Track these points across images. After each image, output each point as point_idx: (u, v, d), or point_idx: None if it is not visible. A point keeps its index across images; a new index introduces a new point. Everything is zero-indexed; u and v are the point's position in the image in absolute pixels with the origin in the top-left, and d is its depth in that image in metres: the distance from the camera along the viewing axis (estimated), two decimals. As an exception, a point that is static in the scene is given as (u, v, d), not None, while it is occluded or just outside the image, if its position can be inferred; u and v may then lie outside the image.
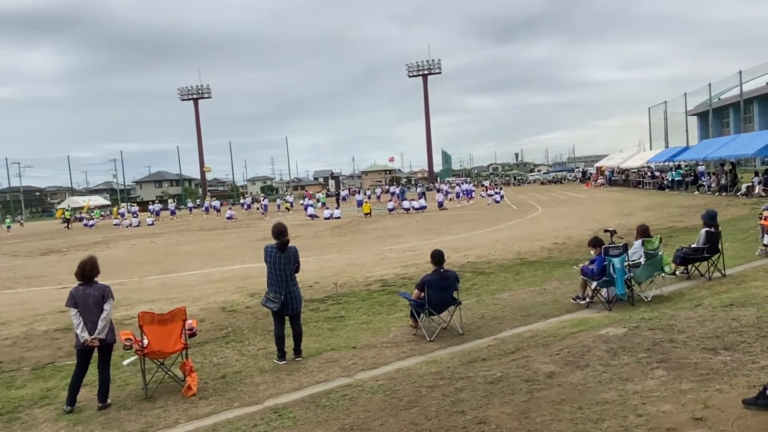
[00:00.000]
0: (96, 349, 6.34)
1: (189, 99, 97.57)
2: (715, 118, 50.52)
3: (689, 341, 6.45)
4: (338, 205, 45.69)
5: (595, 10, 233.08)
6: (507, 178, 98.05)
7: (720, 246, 10.29)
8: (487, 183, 76.58)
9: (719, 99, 48.55)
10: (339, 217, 36.11)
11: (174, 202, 63.43)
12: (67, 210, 57.87)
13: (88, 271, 6.35)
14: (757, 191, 26.54)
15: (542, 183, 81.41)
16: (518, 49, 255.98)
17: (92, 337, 6.22)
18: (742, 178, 31.89)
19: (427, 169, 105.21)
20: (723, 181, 31.63)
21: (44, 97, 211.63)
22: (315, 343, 8.12)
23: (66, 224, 51.82)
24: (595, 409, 4.89)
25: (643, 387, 5.28)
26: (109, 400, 6.39)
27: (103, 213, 68.04)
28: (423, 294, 7.91)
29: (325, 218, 36.08)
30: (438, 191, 51.00)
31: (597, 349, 6.53)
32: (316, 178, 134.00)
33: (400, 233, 24.16)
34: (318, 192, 69.69)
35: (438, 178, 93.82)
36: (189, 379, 6.56)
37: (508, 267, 13.39)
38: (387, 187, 70.97)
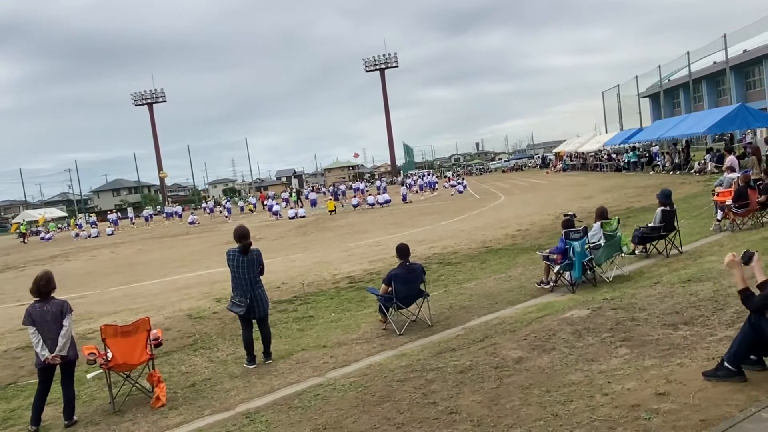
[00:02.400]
0: (58, 366, 6.18)
1: (143, 104, 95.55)
2: (666, 99, 51.80)
3: (650, 318, 6.63)
4: (302, 204, 45.49)
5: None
6: (469, 168, 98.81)
7: (676, 223, 10.58)
8: (449, 174, 77.14)
9: (669, 80, 49.77)
10: (304, 216, 35.90)
11: (149, 209, 61.90)
12: (22, 224, 56.10)
13: (43, 287, 6.18)
14: (709, 168, 27.33)
15: (504, 171, 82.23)
16: (472, 39, 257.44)
17: (53, 354, 6.06)
18: (694, 156, 32.80)
19: (389, 163, 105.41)
20: (677, 160, 32.48)
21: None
22: (285, 345, 8.08)
23: (22, 239, 50.29)
24: (562, 391, 4.98)
25: (607, 366, 5.41)
26: (75, 417, 6.25)
27: (59, 225, 66.18)
28: (390, 288, 7.94)
29: (290, 218, 35.83)
30: (401, 184, 51.20)
31: (562, 332, 6.65)
32: (278, 178, 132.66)
33: (366, 229, 24.17)
34: (283, 191, 69.04)
35: (401, 172, 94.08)
36: (157, 389, 6.46)
37: (473, 256, 13.53)
38: (350, 183, 70.81)
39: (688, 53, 40.61)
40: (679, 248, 10.51)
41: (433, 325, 8.07)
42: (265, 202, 49.40)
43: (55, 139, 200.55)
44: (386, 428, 4.87)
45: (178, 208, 58.19)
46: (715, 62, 43.93)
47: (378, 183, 59.39)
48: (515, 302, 8.73)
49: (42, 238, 49.52)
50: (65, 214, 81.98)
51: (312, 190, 61.73)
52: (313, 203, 43.85)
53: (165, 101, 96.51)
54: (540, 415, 4.61)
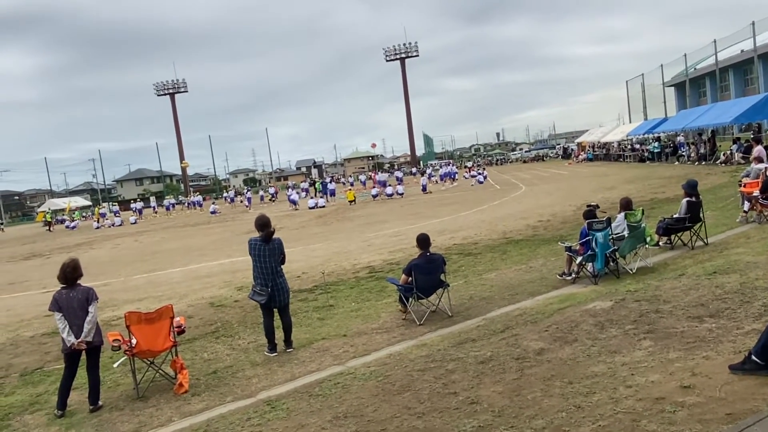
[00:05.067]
0: (84, 351, 6.28)
1: (165, 94, 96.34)
2: (692, 88, 50.84)
3: (675, 311, 6.53)
4: (316, 194, 45.58)
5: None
6: (489, 158, 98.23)
7: (701, 215, 10.39)
8: (469, 164, 76.74)
9: (695, 69, 48.83)
10: (324, 206, 36.05)
11: (170, 199, 62.41)
12: (47, 213, 57.10)
13: (69, 273, 6.27)
14: (736, 159, 26.80)
15: (524, 161, 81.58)
16: (493, 28, 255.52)
17: (79, 340, 6.16)
18: (720, 146, 32.19)
19: (409, 153, 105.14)
20: (702, 151, 31.91)
21: (17, 100, 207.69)
22: (305, 333, 8.12)
23: (47, 227, 51.19)
24: (585, 383, 4.94)
25: (631, 358, 5.35)
26: (100, 402, 6.35)
27: (84, 214, 67.23)
28: (411, 278, 7.92)
29: (310, 207, 35.98)
30: (421, 174, 51.06)
31: (585, 324, 6.59)
32: (298, 168, 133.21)
33: (386, 219, 24.16)
34: (302, 181, 69.53)
35: (420, 162, 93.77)
36: (180, 376, 6.54)
37: (494, 247, 13.45)
38: (370, 173, 70.81)
39: (714, 41, 39.80)
40: (705, 240, 10.33)
41: (453, 315, 8.04)
42: (288, 192, 49.63)
43: (79, 128, 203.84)
44: (406, 417, 4.87)
45: (199, 198, 58.77)
46: (742, 50, 42.95)
47: (397, 173, 59.29)
48: (536, 293, 8.66)
49: (67, 227, 50.36)
50: (89, 203, 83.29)
51: (331, 180, 61.89)
52: (332, 193, 43.94)
53: (186, 91, 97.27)
54: (562, 406, 4.57)
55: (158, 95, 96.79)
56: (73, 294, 6.26)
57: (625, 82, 58.75)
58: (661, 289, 7.54)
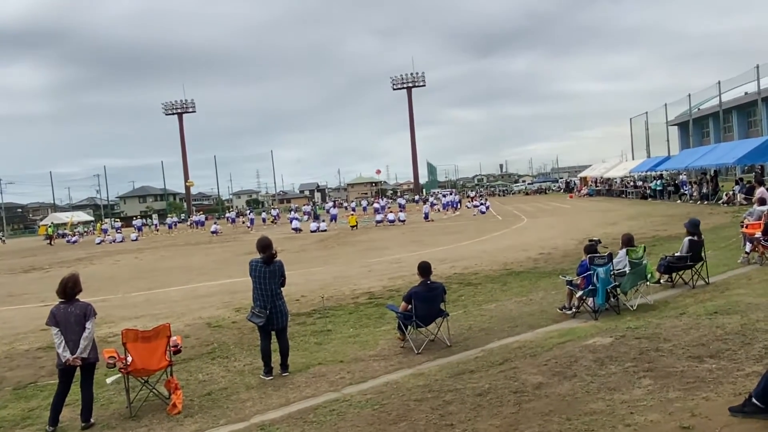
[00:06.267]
0: (78, 368, 6.23)
1: (173, 113, 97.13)
2: (696, 127, 51.21)
3: (675, 349, 6.48)
4: (314, 218, 45.65)
5: (574, 23, 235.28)
6: (492, 189, 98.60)
7: (703, 254, 10.38)
8: (472, 194, 76.96)
9: (699, 109, 49.25)
10: (325, 230, 36.09)
11: (172, 217, 62.49)
12: (49, 226, 57.19)
13: (69, 288, 6.26)
14: (738, 199, 26.87)
15: (527, 193, 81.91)
16: (500, 61, 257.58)
17: (74, 356, 6.12)
18: (723, 186, 32.31)
19: (412, 180, 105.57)
20: (704, 190, 32.02)
21: (25, 113, 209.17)
22: (302, 358, 8.06)
23: (48, 241, 51.20)
24: (583, 420, 4.88)
25: (630, 396, 5.29)
26: (92, 420, 6.28)
27: (86, 229, 67.31)
28: (410, 306, 7.89)
29: (312, 231, 36.01)
30: (424, 202, 51.21)
31: (584, 359, 6.53)
32: (302, 191, 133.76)
33: (387, 245, 24.15)
34: (305, 204, 69.80)
35: (423, 190, 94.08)
36: (174, 396, 6.48)
37: (494, 278, 13.41)
38: (373, 199, 71.00)
39: (719, 83, 40.18)
40: (706, 279, 10.30)
41: (452, 345, 7.99)
42: (290, 215, 49.73)
43: (85, 144, 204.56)
44: (402, 448, 4.81)
45: (202, 217, 58.88)
46: (746, 93, 43.41)
47: (399, 200, 59.56)
48: (536, 326, 8.61)
49: (68, 241, 50.38)
50: (92, 218, 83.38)
51: (333, 205, 62.05)
52: (334, 218, 44.05)
53: (194, 111, 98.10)
54: (559, 442, 4.52)
55: (166, 114, 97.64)
56: (71, 309, 6.24)
57: (629, 119, 59.23)
58: (662, 327, 7.49)
